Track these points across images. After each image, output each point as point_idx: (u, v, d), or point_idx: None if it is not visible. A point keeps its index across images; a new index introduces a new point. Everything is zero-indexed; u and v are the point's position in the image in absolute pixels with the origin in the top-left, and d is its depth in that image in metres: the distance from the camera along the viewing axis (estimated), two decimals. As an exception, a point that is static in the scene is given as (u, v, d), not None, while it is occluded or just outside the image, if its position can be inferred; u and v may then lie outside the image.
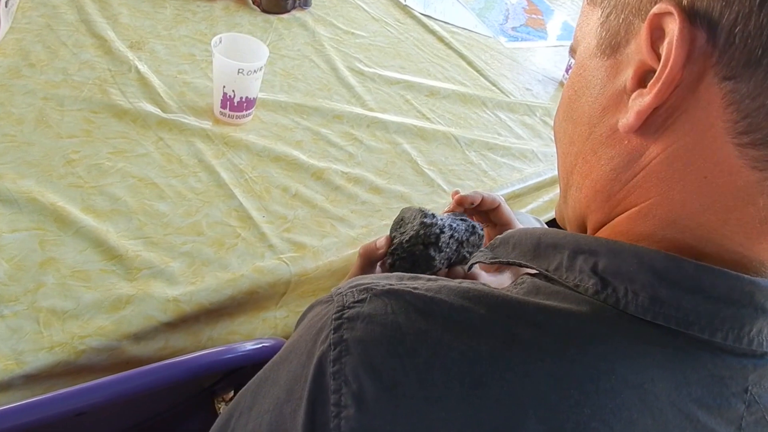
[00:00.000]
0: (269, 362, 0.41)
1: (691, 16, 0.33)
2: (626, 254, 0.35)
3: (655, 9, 0.34)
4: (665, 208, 0.37)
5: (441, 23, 1.47)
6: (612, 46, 0.38)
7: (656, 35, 0.34)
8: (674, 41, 0.33)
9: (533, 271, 0.42)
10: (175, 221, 0.79)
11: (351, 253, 0.84)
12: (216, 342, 0.75)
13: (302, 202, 0.88)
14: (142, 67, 1.00)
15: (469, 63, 1.36)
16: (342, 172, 0.95)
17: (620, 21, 0.38)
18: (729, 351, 0.34)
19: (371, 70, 1.20)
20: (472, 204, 0.73)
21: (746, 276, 0.34)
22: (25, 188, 0.75)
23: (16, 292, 0.65)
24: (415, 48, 1.34)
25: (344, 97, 1.11)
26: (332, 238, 0.84)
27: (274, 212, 0.85)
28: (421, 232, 0.65)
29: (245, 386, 0.41)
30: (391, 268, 0.68)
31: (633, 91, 0.36)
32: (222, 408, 1.32)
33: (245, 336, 0.79)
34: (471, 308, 0.35)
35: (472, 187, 1.04)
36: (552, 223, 1.11)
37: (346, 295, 0.38)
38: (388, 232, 0.70)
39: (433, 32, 1.42)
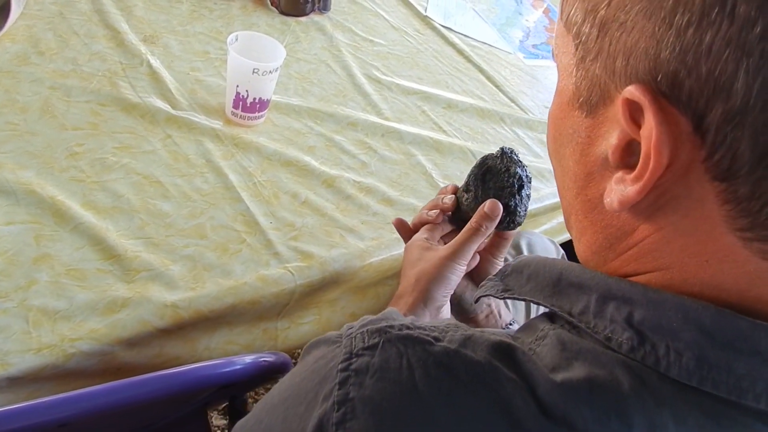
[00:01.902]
0: (266, 398, 0.36)
1: (672, 100, 0.28)
2: (668, 306, 0.31)
3: (627, 93, 0.29)
4: (666, 282, 0.32)
5: (461, 36, 1.44)
6: (590, 103, 0.34)
7: (634, 109, 0.30)
8: (652, 141, 0.28)
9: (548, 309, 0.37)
10: (178, 222, 0.75)
11: (359, 266, 0.81)
12: (213, 352, 0.71)
13: (311, 210, 0.85)
14: (154, 62, 0.97)
15: (488, 77, 1.33)
16: (354, 181, 0.92)
17: (596, 75, 0.33)
18: None
19: (388, 78, 1.17)
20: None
21: None
22: (25, 179, 0.72)
23: (6, 288, 0.61)
24: (433, 59, 1.31)
25: (360, 104, 1.08)
26: (341, 249, 0.81)
27: (281, 219, 0.82)
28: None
29: (242, 419, 0.37)
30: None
31: (616, 166, 0.32)
32: (215, 419, 1.27)
33: (243, 346, 0.75)
34: (500, 371, 0.30)
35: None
36: (567, 244, 1.07)
37: (355, 337, 0.33)
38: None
39: (452, 44, 1.39)
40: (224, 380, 0.57)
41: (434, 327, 0.34)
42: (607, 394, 0.29)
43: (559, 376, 0.30)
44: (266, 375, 0.62)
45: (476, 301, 0.49)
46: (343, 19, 1.30)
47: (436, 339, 0.33)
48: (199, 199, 0.79)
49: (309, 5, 1.24)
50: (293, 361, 0.61)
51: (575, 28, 0.34)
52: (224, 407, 1.42)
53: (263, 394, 1.40)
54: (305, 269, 0.76)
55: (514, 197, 0.66)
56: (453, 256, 0.63)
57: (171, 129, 0.87)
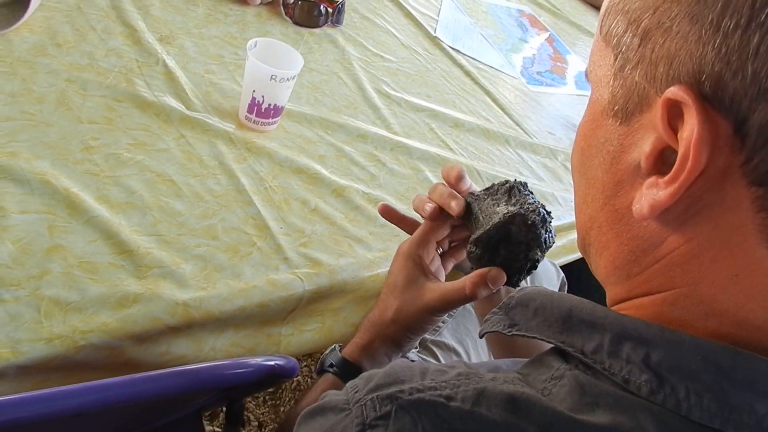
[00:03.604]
0: None
1: (713, 103, 0.29)
2: (686, 347, 0.30)
3: (669, 93, 0.30)
4: (694, 299, 0.32)
5: (468, 58, 1.46)
6: (625, 111, 0.34)
7: (673, 113, 0.30)
8: (692, 140, 0.29)
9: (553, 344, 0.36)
10: (190, 222, 0.75)
11: (366, 276, 0.81)
12: (218, 353, 0.71)
13: (321, 218, 0.85)
14: (170, 62, 0.97)
15: (494, 100, 1.35)
16: (363, 192, 0.92)
17: (634, 82, 0.33)
18: None
19: (398, 94, 1.19)
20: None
21: None
22: (39, 169, 0.71)
23: (19, 276, 0.61)
24: (442, 79, 1.33)
25: (369, 117, 1.09)
26: (349, 259, 0.81)
27: (292, 224, 0.82)
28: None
29: None
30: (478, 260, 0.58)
31: (648, 172, 0.32)
32: (206, 423, 1.26)
33: (247, 350, 0.75)
34: (519, 426, 0.30)
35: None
36: (566, 267, 1.08)
37: (365, 405, 0.33)
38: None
39: (460, 66, 1.41)
40: (236, 381, 0.57)
41: (444, 382, 0.33)
42: None
43: (582, 418, 0.30)
44: (275, 379, 0.62)
45: (481, 337, 0.48)
46: (355, 33, 1.32)
47: (449, 398, 0.32)
48: (212, 200, 0.79)
49: (322, 18, 1.25)
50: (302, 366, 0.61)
51: (615, 39, 0.35)
52: (209, 414, 1.41)
53: (259, 400, 1.38)
54: (314, 276, 0.76)
55: (521, 274, 0.58)
56: (437, 312, 0.60)
57: (185, 129, 0.87)
